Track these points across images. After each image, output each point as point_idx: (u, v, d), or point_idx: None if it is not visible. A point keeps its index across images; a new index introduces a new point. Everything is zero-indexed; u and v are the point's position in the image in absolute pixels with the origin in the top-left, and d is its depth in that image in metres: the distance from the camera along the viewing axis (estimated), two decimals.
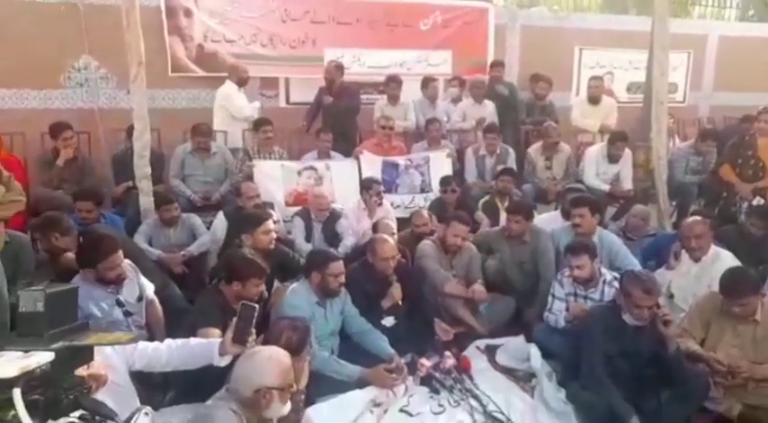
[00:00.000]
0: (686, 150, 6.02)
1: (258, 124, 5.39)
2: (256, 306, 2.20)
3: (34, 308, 1.20)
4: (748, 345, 3.00)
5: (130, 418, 1.93)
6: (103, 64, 6.08)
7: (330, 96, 5.93)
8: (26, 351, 1.16)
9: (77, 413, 1.26)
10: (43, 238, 3.46)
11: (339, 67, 6.02)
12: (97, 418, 1.29)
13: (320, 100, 6.03)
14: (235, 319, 2.21)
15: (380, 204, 4.78)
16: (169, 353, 2.32)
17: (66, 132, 4.90)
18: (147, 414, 1.99)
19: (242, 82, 5.88)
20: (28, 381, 1.14)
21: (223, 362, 2.24)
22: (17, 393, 1.11)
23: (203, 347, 2.31)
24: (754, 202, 5.00)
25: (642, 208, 4.78)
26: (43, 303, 1.20)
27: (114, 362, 2.18)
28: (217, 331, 2.67)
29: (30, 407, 1.12)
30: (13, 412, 1.10)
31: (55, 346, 1.19)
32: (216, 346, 2.24)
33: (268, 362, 2.03)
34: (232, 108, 5.74)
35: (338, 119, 5.90)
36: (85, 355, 1.35)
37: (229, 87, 5.81)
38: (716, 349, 3.03)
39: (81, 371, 1.89)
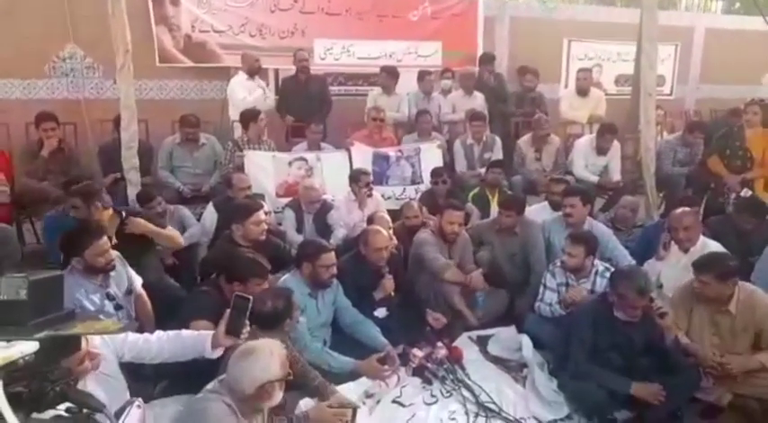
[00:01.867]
0: (674, 142, 6.04)
1: (254, 115, 5.27)
2: (251, 298, 2.16)
3: (17, 295, 1.14)
4: (726, 335, 3.02)
5: (122, 410, 1.90)
6: (89, 53, 5.97)
7: (298, 84, 5.97)
8: (8, 341, 1.10)
9: (64, 406, 1.21)
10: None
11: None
12: (85, 410, 1.24)
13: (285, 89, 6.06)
14: (228, 311, 2.17)
15: (370, 196, 4.74)
16: (159, 344, 2.29)
17: (48, 123, 4.80)
18: (138, 407, 1.97)
19: (253, 71, 5.81)
20: (10, 372, 1.09)
21: (215, 354, 2.21)
22: None
23: (194, 339, 2.27)
24: (742, 193, 5.02)
25: (631, 199, 4.78)
26: (26, 291, 1.14)
27: (104, 352, 2.13)
28: (208, 323, 2.63)
29: (12, 400, 1.06)
30: None
31: (39, 335, 1.13)
32: (208, 338, 2.20)
33: (271, 357, 2.01)
34: (233, 100, 5.68)
35: (304, 106, 5.86)
36: (72, 344, 1.31)
37: (237, 78, 5.76)
38: (700, 339, 3.05)
39: (80, 345, 1.84)
